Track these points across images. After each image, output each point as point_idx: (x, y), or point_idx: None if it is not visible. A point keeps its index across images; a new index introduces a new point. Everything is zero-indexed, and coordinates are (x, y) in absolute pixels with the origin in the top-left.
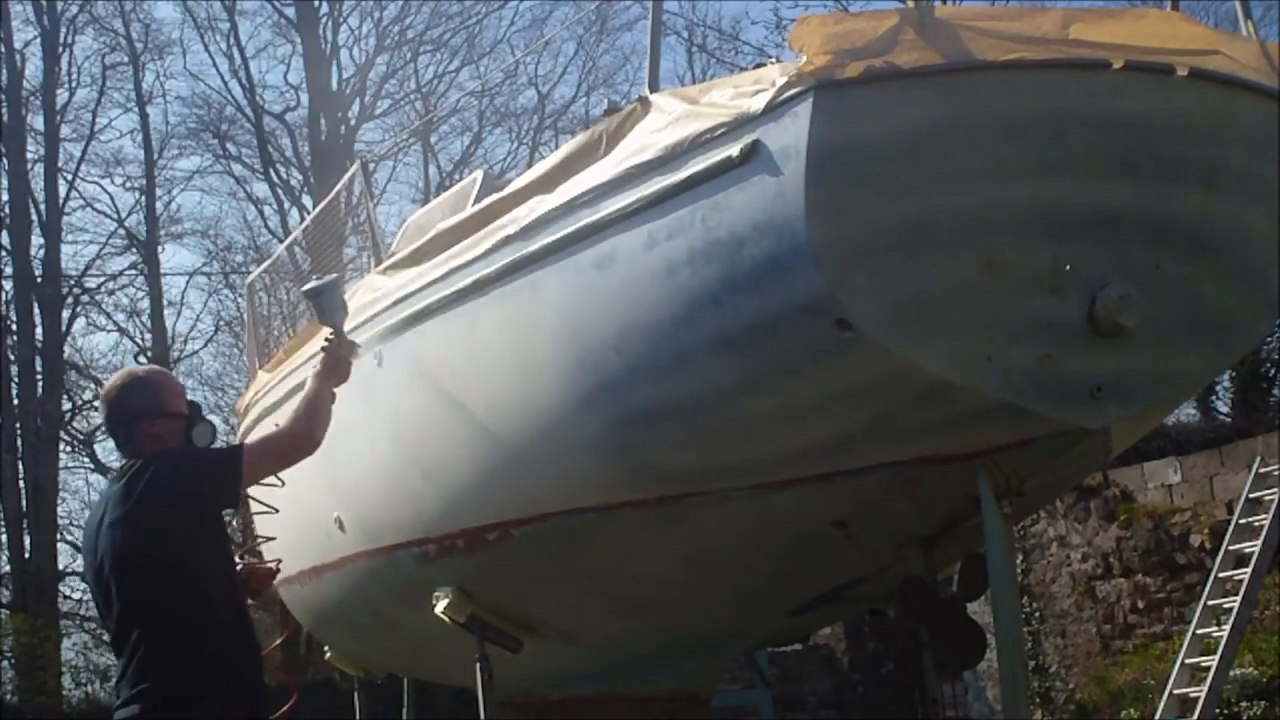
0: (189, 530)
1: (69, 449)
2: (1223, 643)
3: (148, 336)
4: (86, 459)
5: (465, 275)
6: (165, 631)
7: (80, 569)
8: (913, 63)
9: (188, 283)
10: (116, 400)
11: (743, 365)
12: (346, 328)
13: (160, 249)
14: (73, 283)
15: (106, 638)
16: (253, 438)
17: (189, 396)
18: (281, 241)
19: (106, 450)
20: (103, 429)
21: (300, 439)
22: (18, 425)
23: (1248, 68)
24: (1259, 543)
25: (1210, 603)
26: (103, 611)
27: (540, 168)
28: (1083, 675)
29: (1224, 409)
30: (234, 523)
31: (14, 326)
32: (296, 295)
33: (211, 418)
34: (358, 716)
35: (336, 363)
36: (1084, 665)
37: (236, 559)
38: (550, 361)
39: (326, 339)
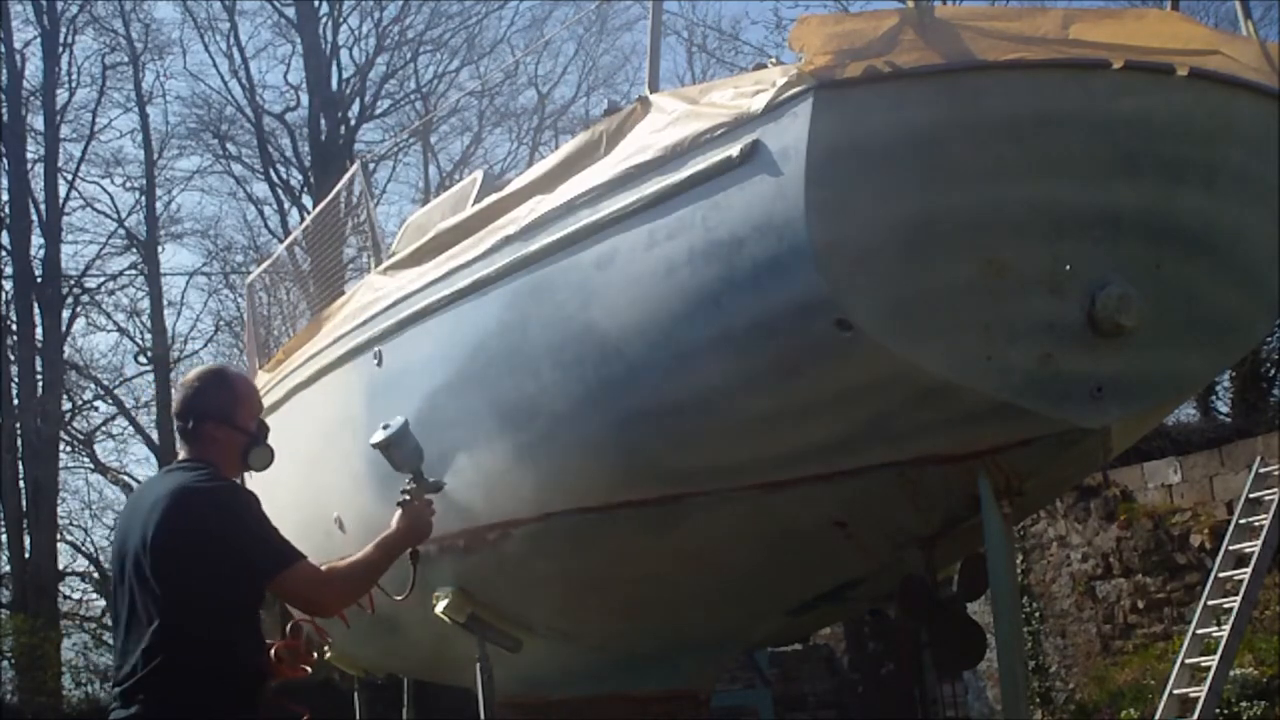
0: (213, 568)
1: (69, 449)
2: (1223, 643)
3: (148, 336)
4: (86, 459)
5: (465, 275)
6: (171, 645)
7: (80, 569)
8: (913, 63)
9: (188, 283)
10: (196, 391)
11: (743, 365)
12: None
13: (160, 249)
14: (73, 283)
15: (107, 638)
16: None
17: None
18: (281, 241)
19: (106, 450)
20: (177, 415)
21: (323, 604)
22: (18, 425)
23: (1248, 68)
24: (1259, 543)
25: (1210, 603)
26: (114, 595)
27: (540, 168)
28: (1083, 675)
29: (1224, 409)
30: None
31: (14, 326)
32: (296, 295)
33: None
34: (358, 716)
35: (420, 521)
36: (1084, 665)
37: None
38: (550, 361)
39: (404, 491)
